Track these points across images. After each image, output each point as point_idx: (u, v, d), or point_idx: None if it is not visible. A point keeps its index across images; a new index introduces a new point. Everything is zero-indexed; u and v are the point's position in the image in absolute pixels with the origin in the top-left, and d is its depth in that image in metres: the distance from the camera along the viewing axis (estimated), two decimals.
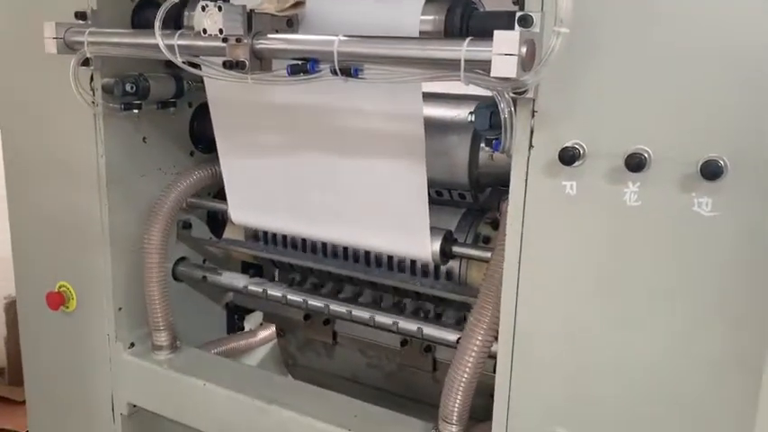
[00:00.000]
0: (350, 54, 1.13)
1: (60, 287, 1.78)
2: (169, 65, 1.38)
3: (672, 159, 0.99)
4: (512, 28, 0.99)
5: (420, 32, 1.23)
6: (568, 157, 1.03)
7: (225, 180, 1.65)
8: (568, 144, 1.04)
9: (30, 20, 1.57)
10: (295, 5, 1.30)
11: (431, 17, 1.22)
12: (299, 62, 1.18)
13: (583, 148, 1.04)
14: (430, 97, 1.42)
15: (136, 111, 1.57)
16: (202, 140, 1.82)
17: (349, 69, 1.14)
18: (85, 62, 1.50)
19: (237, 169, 1.62)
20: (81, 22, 1.48)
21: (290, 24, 1.31)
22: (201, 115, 1.76)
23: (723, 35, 0.93)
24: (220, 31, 1.16)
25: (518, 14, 1.00)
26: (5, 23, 1.69)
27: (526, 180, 1.09)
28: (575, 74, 1.02)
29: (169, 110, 1.66)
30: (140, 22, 1.58)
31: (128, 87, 1.51)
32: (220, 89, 1.51)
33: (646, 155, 0.99)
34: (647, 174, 1.00)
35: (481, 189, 1.52)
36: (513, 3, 1.16)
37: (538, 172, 1.08)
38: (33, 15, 1.56)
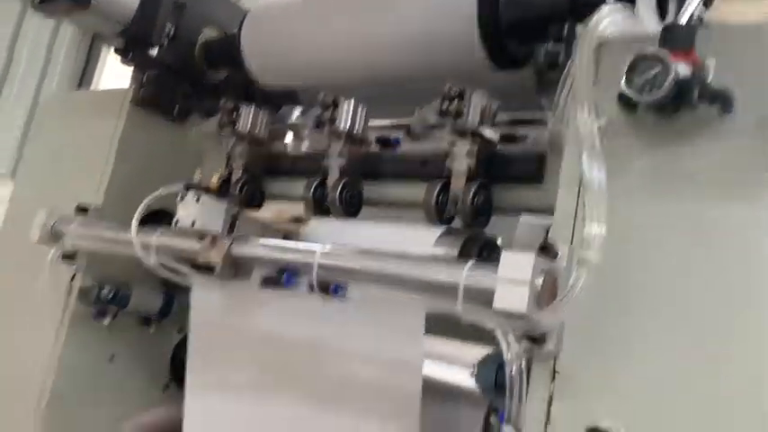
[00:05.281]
0: (331, 267, 0.92)
1: None
2: (165, 281, 1.21)
3: None
4: None
5: None
6: None
7: (184, 422, 1.34)
8: (602, 426, 0.73)
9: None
10: (295, 220, 1.14)
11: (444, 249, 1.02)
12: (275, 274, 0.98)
13: None
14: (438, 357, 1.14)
15: (107, 320, 1.36)
16: (183, 373, 1.55)
17: (327, 286, 0.91)
18: (71, 258, 1.35)
19: (201, 411, 1.32)
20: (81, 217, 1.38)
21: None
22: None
23: None
24: (193, 223, 0.98)
25: (540, 243, 0.79)
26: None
27: None
28: (614, 328, 0.75)
29: (147, 328, 1.45)
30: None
31: (104, 292, 1.33)
32: (204, 312, 1.30)
33: None
34: None
35: None
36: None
37: None
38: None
